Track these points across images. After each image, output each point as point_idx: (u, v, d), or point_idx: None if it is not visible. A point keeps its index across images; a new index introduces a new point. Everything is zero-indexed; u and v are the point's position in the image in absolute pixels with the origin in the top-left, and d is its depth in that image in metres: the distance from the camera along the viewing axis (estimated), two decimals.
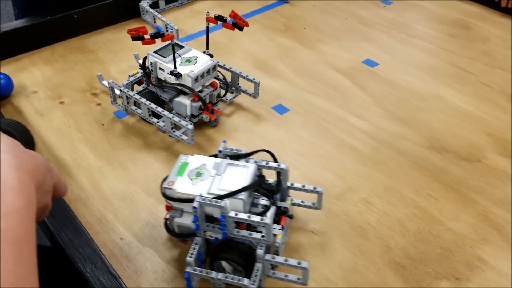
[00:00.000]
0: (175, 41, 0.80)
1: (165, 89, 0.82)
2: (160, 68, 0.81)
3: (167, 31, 1.08)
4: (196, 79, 0.78)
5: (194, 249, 0.57)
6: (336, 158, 0.79)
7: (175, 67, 0.78)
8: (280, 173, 0.62)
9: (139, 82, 0.87)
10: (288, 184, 0.65)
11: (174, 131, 0.80)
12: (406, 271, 0.62)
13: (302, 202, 0.66)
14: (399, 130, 0.85)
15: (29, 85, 0.94)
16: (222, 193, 0.56)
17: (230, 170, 0.59)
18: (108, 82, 0.85)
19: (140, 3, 1.14)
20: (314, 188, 0.64)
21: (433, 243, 0.66)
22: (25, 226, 0.38)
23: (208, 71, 0.81)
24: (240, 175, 0.59)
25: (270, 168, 0.62)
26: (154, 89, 0.83)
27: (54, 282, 0.72)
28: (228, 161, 0.61)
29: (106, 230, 0.67)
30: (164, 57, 0.80)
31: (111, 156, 0.80)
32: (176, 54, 0.78)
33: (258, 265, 0.56)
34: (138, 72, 0.86)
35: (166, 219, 0.61)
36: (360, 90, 0.95)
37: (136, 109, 0.84)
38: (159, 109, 0.79)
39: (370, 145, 0.82)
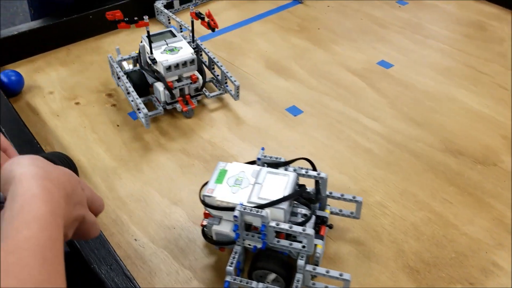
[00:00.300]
0: (171, 29, 0.87)
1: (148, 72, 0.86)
2: (147, 52, 0.84)
3: (181, 31, 1.08)
4: (169, 69, 0.82)
5: (234, 258, 0.57)
6: (350, 160, 0.79)
7: (151, 53, 0.83)
8: (319, 181, 0.62)
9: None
10: (327, 192, 0.64)
11: (139, 112, 0.83)
12: (419, 276, 0.62)
13: (341, 211, 0.65)
14: (414, 132, 0.84)
15: (45, 85, 0.95)
16: (262, 202, 0.55)
17: (270, 179, 0.59)
18: (108, 56, 0.90)
19: (155, 4, 1.14)
20: (354, 197, 0.63)
21: (448, 247, 0.65)
22: (49, 232, 0.39)
23: (185, 64, 0.83)
24: (280, 184, 0.58)
25: (309, 176, 0.61)
26: (144, 70, 0.87)
27: (71, 285, 0.73)
28: (268, 169, 0.60)
29: (121, 232, 0.67)
30: (153, 42, 0.84)
31: (126, 157, 0.80)
32: (165, 42, 0.84)
33: (298, 276, 0.55)
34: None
35: (203, 226, 0.61)
36: (374, 91, 0.94)
37: (122, 85, 0.88)
38: (130, 89, 0.83)
39: (385, 147, 0.81)
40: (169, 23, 1.13)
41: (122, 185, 0.75)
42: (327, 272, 0.55)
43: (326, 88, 0.95)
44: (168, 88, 0.83)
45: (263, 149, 0.65)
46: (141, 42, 0.86)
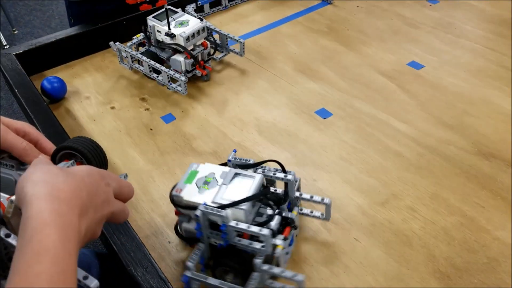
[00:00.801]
0: (169, 6, 0.95)
1: (163, 48, 0.95)
2: (158, 31, 0.95)
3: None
4: (188, 39, 0.93)
5: (195, 254, 0.59)
6: (380, 164, 0.79)
7: (169, 29, 0.92)
8: (287, 183, 0.63)
9: (142, 44, 1.01)
10: (297, 194, 0.65)
11: (170, 84, 0.94)
12: (451, 281, 0.62)
13: (311, 212, 0.67)
14: (445, 135, 0.84)
15: (82, 90, 0.99)
16: (225, 202, 0.58)
17: (237, 180, 0.61)
18: (115, 44, 0.98)
19: (186, 8, 1.16)
20: (322, 199, 0.65)
21: (480, 252, 0.65)
22: (60, 265, 0.38)
23: (198, 32, 0.95)
24: (245, 185, 0.60)
25: (277, 178, 0.63)
26: (154, 49, 0.97)
27: (108, 286, 0.75)
28: (235, 170, 0.62)
29: (155, 234, 0.70)
30: (161, 21, 0.94)
31: (159, 160, 0.82)
32: (170, 18, 0.93)
33: (255, 275, 0.57)
34: (140, 36, 1.00)
35: (176, 225, 0.64)
36: (404, 93, 0.94)
37: (139, 67, 0.98)
38: (157, 65, 0.93)
39: (415, 151, 0.81)
40: None
41: (155, 187, 0.77)
42: (282, 272, 0.56)
43: (356, 90, 0.96)
44: (192, 55, 0.93)
45: (235, 151, 0.68)
46: (147, 24, 0.95)
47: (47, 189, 0.43)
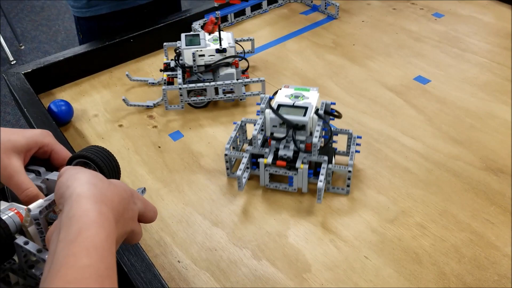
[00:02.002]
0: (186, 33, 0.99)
1: (203, 72, 0.96)
2: (199, 55, 0.95)
3: None
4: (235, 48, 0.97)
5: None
6: (388, 180, 0.79)
7: (220, 45, 0.95)
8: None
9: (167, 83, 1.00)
10: None
11: (244, 94, 0.96)
12: None
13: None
14: (453, 151, 0.84)
15: (90, 108, 0.99)
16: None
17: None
18: (163, 88, 0.93)
19: (192, 25, 1.17)
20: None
21: (490, 269, 0.65)
22: (106, 262, 0.40)
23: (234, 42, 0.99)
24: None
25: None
26: (195, 77, 0.96)
27: None
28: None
29: (164, 253, 0.70)
30: (199, 45, 0.95)
31: (168, 178, 0.83)
32: (202, 39, 0.96)
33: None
34: (166, 75, 0.99)
35: None
36: (412, 108, 0.94)
37: (196, 99, 0.95)
38: (227, 82, 0.94)
39: (424, 167, 0.81)
40: None
41: (164, 206, 0.78)
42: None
43: (363, 105, 0.96)
44: (244, 58, 1.02)
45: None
46: (181, 55, 0.96)
47: (94, 191, 0.44)
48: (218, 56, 0.95)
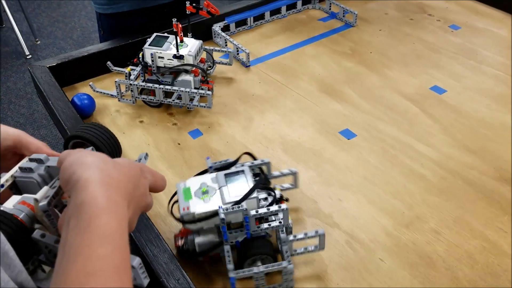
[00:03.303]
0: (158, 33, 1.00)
1: (163, 74, 0.97)
2: (159, 57, 0.96)
3: (237, 53, 1.14)
4: (195, 57, 0.96)
5: (228, 256, 0.62)
6: (404, 186, 0.81)
7: (177, 51, 0.94)
8: (266, 166, 0.71)
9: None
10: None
11: (191, 103, 0.96)
12: None
13: (282, 186, 0.76)
14: (468, 160, 0.85)
15: (112, 104, 1.02)
16: (237, 199, 0.62)
17: (229, 179, 0.66)
18: (116, 81, 0.97)
19: (213, 27, 1.20)
20: (290, 170, 0.74)
21: (503, 277, 0.66)
22: (121, 251, 0.39)
23: (199, 50, 0.99)
24: (241, 179, 0.65)
25: (256, 166, 0.70)
26: (155, 76, 0.97)
27: None
28: (223, 172, 0.67)
29: None
30: (161, 47, 0.96)
31: (187, 174, 0.84)
32: (166, 43, 0.96)
33: (284, 248, 0.62)
34: (131, 69, 0.99)
35: (179, 246, 0.66)
36: (427, 117, 0.96)
37: (146, 97, 0.98)
38: (175, 88, 0.94)
39: (438, 174, 0.83)
40: (226, 45, 1.17)
41: None
42: (306, 234, 0.64)
43: (380, 112, 0.98)
44: (203, 69, 0.98)
45: (208, 158, 0.72)
46: (144, 54, 0.96)
47: (101, 175, 0.43)
48: (175, 62, 0.95)
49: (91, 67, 1.08)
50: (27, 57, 2.71)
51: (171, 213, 0.67)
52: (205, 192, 0.65)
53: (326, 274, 0.67)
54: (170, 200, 0.71)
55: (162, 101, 0.97)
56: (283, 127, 0.95)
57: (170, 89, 0.95)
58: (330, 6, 1.31)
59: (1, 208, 0.50)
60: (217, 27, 1.19)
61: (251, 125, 0.96)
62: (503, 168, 0.83)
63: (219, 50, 1.09)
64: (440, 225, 0.73)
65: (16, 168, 0.57)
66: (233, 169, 0.68)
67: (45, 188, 0.52)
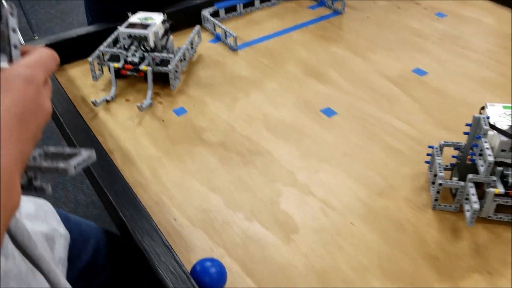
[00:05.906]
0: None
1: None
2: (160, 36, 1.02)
3: (226, 37, 1.16)
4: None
5: None
6: (381, 159, 0.82)
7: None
8: None
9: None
10: None
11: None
12: (439, 263, 0.64)
13: None
14: (444, 136, 0.87)
15: (99, 84, 1.04)
16: None
17: None
18: (89, 60, 0.99)
19: (202, 12, 1.22)
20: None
21: (469, 239, 0.68)
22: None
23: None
24: None
25: None
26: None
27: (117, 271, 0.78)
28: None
29: (162, 212, 0.73)
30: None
31: (170, 149, 0.87)
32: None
33: None
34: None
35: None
36: (408, 97, 0.98)
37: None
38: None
39: (415, 149, 0.84)
40: (215, 30, 1.20)
41: (165, 173, 0.81)
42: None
43: (362, 93, 0.99)
44: None
45: None
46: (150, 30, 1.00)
47: None
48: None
49: (80, 49, 1.10)
50: None
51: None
52: None
53: (298, 235, 0.69)
54: None
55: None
56: (267, 106, 0.97)
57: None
58: None
59: None
60: (206, 12, 1.22)
61: (235, 104, 0.98)
62: None
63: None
64: (411, 194, 0.75)
65: None
66: None
67: None
